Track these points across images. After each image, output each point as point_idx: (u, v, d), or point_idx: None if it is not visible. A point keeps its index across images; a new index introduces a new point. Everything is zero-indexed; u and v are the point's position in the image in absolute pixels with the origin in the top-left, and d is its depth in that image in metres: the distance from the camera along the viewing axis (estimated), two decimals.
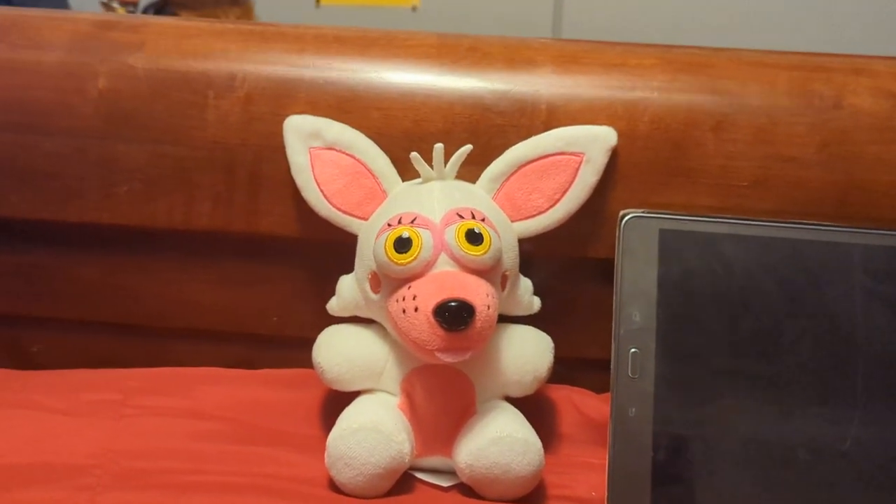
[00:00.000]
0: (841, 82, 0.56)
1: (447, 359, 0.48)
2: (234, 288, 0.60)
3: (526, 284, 0.55)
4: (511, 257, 0.52)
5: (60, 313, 0.61)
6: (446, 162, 0.53)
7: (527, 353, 0.53)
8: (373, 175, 0.54)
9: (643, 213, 0.53)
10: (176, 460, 0.51)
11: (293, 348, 0.58)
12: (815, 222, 0.52)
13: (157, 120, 0.57)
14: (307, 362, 0.53)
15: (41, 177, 0.58)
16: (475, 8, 1.92)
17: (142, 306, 0.61)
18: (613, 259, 0.52)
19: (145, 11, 1.75)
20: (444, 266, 0.49)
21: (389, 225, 0.50)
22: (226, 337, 0.61)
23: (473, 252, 0.48)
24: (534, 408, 0.53)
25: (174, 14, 1.70)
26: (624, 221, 0.52)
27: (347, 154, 0.55)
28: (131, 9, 1.73)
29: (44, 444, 0.51)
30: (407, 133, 0.56)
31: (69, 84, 0.57)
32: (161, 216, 0.58)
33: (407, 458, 0.49)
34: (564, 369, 0.56)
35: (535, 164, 0.54)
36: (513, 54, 0.58)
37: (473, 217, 0.50)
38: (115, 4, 1.72)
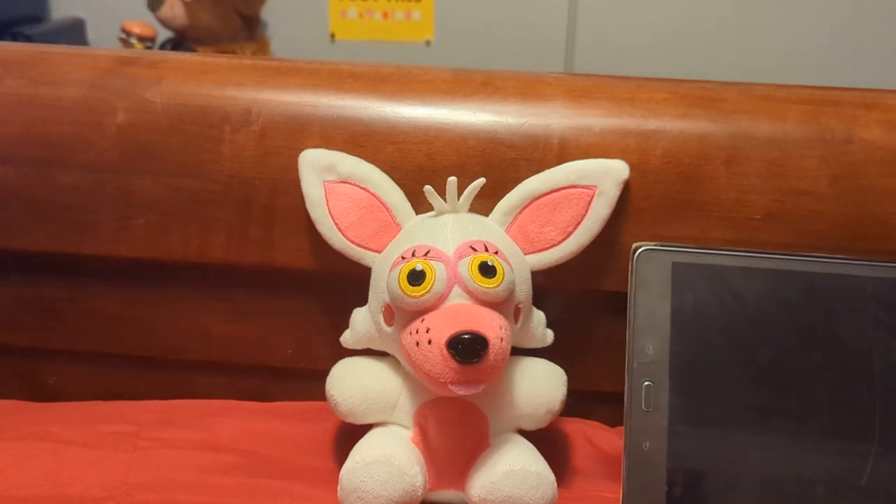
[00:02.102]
0: (851, 116, 0.56)
1: (460, 391, 0.48)
2: (248, 320, 0.61)
3: (539, 317, 0.55)
4: (524, 290, 0.53)
5: (76, 346, 0.62)
6: (460, 195, 0.53)
7: (540, 385, 0.53)
8: (387, 208, 0.55)
9: (656, 245, 0.53)
10: (190, 493, 0.51)
11: (308, 380, 0.58)
12: (829, 255, 0.52)
13: (173, 154, 0.58)
14: (321, 394, 0.53)
15: (58, 210, 0.58)
16: (488, 43, 1.94)
17: (157, 339, 0.61)
18: (626, 292, 0.52)
19: (162, 47, 1.77)
20: (457, 299, 0.49)
21: (403, 258, 0.50)
22: (240, 369, 0.62)
23: (487, 285, 0.49)
24: (547, 441, 0.53)
25: (191, 50, 1.73)
26: (637, 254, 0.52)
27: (362, 188, 0.55)
28: (149, 44, 1.75)
29: (59, 476, 0.51)
30: (421, 167, 0.57)
31: (88, 119, 0.58)
32: (176, 249, 0.58)
33: (420, 492, 0.49)
34: (578, 402, 0.56)
35: (547, 197, 0.55)
36: (526, 89, 0.59)
37: (487, 250, 0.50)
38: (133, 41, 1.74)
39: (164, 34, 1.80)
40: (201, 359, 0.61)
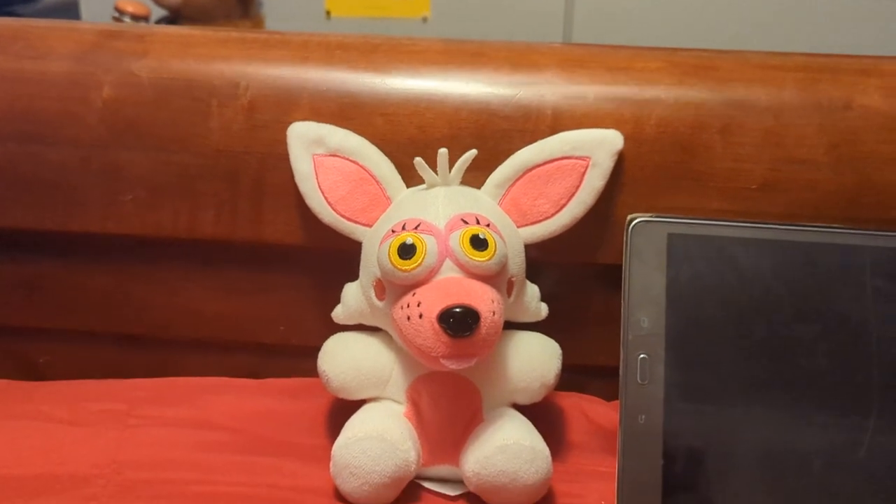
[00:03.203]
0: (849, 83, 0.55)
1: (452, 366, 0.47)
2: (239, 297, 0.60)
3: (532, 290, 0.54)
4: (517, 263, 0.52)
5: (66, 324, 0.61)
6: (451, 167, 0.52)
7: (534, 359, 0.52)
8: (377, 181, 0.54)
9: (651, 217, 0.52)
10: (181, 471, 0.50)
11: (299, 357, 0.57)
12: (827, 225, 0.52)
13: (160, 128, 0.57)
14: (313, 371, 0.53)
15: (45, 187, 0.57)
16: (485, 18, 1.92)
17: (147, 316, 0.61)
18: (621, 264, 0.51)
19: None
20: (448, 272, 0.48)
21: (393, 231, 0.49)
22: (231, 346, 0.61)
23: (478, 258, 0.48)
24: (542, 415, 0.53)
25: None
26: (631, 226, 0.52)
27: (351, 161, 0.54)
28: (143, 23, 1.74)
29: (49, 455, 0.51)
30: (411, 139, 0.56)
31: (73, 93, 0.57)
32: (165, 225, 0.58)
33: (413, 467, 0.49)
34: (572, 376, 0.55)
35: (540, 168, 0.54)
36: (518, 59, 0.58)
37: (478, 223, 0.49)
38: (127, 19, 1.73)
39: (157, 13, 1.78)
40: (192, 336, 0.61)
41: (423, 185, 0.53)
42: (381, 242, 0.50)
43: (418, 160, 0.52)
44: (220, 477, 0.50)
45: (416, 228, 0.49)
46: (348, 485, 0.48)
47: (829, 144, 0.54)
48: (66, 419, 0.54)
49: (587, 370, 0.58)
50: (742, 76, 0.56)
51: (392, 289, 0.49)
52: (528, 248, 0.53)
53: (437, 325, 0.46)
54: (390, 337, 0.52)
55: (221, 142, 0.57)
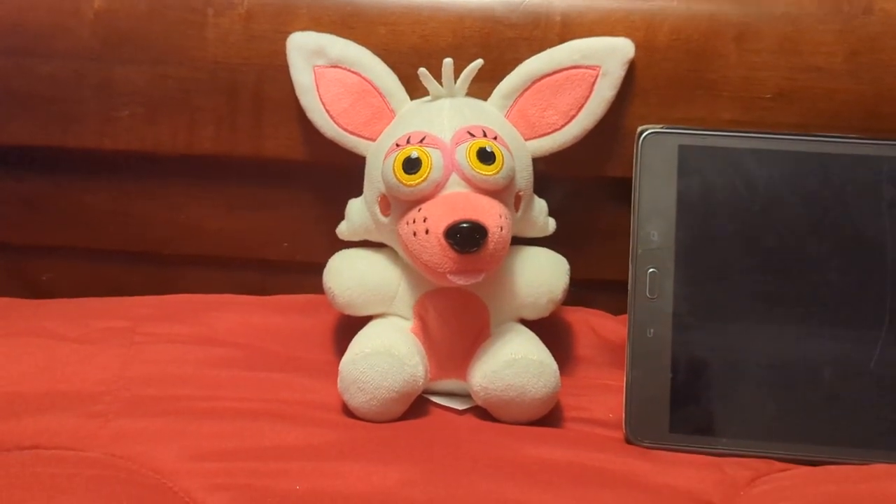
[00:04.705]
0: None
1: (459, 281, 0.47)
2: (241, 213, 0.59)
3: (540, 205, 0.53)
4: (525, 177, 0.51)
5: (67, 241, 0.61)
6: (456, 78, 0.51)
7: (542, 274, 0.52)
8: (380, 93, 0.53)
9: (662, 128, 0.51)
10: (188, 387, 0.50)
11: (304, 274, 0.57)
12: (843, 135, 0.50)
13: (155, 40, 0.55)
14: (319, 288, 0.53)
15: (39, 102, 0.56)
16: None
17: (149, 233, 0.60)
18: (631, 177, 0.50)
19: None
20: (455, 187, 0.47)
21: (398, 145, 0.48)
22: (235, 263, 0.61)
23: (485, 172, 0.47)
24: (549, 330, 0.53)
25: None
26: (642, 138, 0.51)
27: (353, 72, 0.53)
28: None
29: (55, 372, 0.51)
30: (415, 49, 0.54)
31: (64, 5, 0.56)
32: (164, 141, 0.57)
33: (420, 382, 0.49)
34: (581, 291, 0.55)
35: (549, 78, 0.52)
36: None
37: (485, 135, 0.48)
38: None
39: None
40: (195, 253, 0.60)
41: (428, 97, 0.52)
42: (385, 157, 0.49)
43: (422, 71, 0.50)
44: (227, 392, 0.50)
45: (421, 142, 0.48)
46: (356, 400, 0.48)
47: (848, 51, 0.53)
48: (71, 336, 0.54)
49: (595, 285, 0.57)
50: None
51: (397, 204, 0.48)
52: (536, 161, 0.52)
53: (443, 241, 0.45)
54: (396, 253, 0.52)
55: (218, 54, 0.55)
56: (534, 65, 0.52)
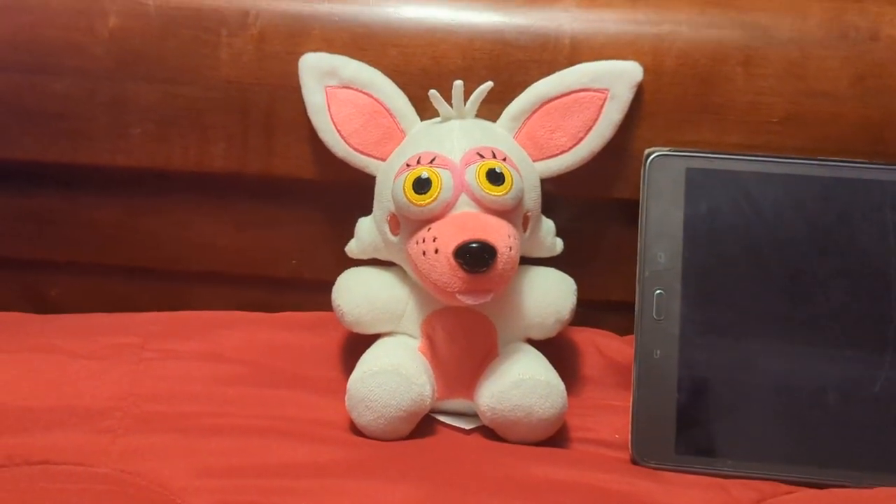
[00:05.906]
0: (877, 13, 0.54)
1: (468, 301, 0.47)
2: (251, 231, 0.60)
3: (548, 226, 0.54)
4: (533, 198, 0.51)
5: (77, 257, 0.61)
6: (466, 100, 0.51)
7: (549, 295, 0.52)
8: (390, 114, 0.53)
9: (669, 151, 0.51)
10: (196, 403, 0.50)
11: (313, 291, 0.57)
12: (849, 160, 0.51)
13: (168, 59, 0.56)
14: (327, 305, 0.53)
15: (51, 118, 0.57)
16: None
17: (159, 250, 0.60)
18: (638, 199, 0.51)
19: None
20: (464, 207, 0.48)
21: (408, 165, 0.49)
22: (244, 280, 0.61)
23: (495, 192, 0.47)
24: (557, 350, 0.53)
25: None
26: (649, 160, 0.51)
27: (364, 93, 0.53)
28: None
29: (64, 388, 0.51)
30: (425, 70, 0.55)
31: (79, 23, 0.56)
32: (175, 158, 0.57)
33: (428, 401, 0.49)
34: (588, 312, 0.55)
35: (557, 101, 0.53)
36: None
37: (494, 156, 0.49)
38: None
39: None
40: (204, 270, 0.61)
41: (438, 118, 0.52)
42: (395, 177, 0.49)
43: (433, 92, 0.51)
44: (235, 409, 0.50)
45: (431, 162, 0.48)
46: (364, 418, 0.48)
47: (854, 77, 0.53)
48: (80, 352, 0.54)
49: (602, 305, 0.58)
50: (765, 5, 0.55)
51: (407, 223, 0.49)
52: (545, 182, 0.53)
53: (453, 261, 0.46)
54: (405, 272, 0.52)
55: (231, 73, 0.55)
56: (543, 87, 0.53)
